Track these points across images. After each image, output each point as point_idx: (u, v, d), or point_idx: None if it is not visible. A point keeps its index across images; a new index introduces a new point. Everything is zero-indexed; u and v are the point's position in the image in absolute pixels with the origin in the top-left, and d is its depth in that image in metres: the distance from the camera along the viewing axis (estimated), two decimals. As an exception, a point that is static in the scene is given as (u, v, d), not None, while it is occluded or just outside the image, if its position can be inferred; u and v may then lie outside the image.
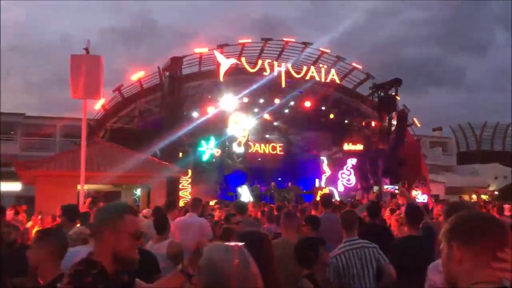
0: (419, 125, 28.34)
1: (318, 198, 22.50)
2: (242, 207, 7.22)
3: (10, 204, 13.04)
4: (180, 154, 22.02)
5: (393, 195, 20.50)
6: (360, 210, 7.05)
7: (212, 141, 24.46)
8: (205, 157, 24.41)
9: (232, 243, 1.84)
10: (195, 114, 23.32)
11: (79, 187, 9.79)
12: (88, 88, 9.13)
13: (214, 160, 24.61)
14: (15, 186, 28.75)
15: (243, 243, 1.85)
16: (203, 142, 24.40)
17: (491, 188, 37.52)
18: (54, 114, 34.56)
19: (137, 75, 22.67)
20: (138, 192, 20.01)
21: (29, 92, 79.06)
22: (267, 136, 27.21)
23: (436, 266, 2.60)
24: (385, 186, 25.02)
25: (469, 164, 41.58)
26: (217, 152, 24.59)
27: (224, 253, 1.77)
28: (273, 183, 25.40)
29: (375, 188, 24.35)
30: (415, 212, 5.10)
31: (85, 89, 9.10)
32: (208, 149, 24.42)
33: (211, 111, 23.03)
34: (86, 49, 9.83)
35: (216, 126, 24.41)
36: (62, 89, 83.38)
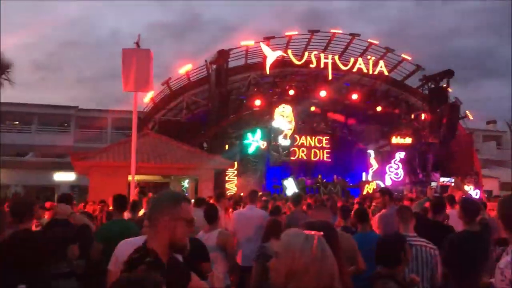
0: (471, 118, 27.28)
1: (365, 192, 22.26)
2: (297, 199, 7.11)
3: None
4: (227, 147, 22.22)
5: (443, 189, 19.88)
6: (418, 206, 6.78)
7: (258, 133, 24.52)
8: (251, 150, 24.50)
9: (312, 232, 1.89)
10: (241, 106, 23.45)
11: (130, 177, 10.07)
12: (138, 81, 9.35)
13: (260, 152, 24.67)
14: (69, 176, 29.98)
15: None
16: (249, 135, 24.51)
17: (548, 184, 35.71)
18: (106, 107, 35.67)
19: (184, 68, 22.99)
20: (186, 183, 20.37)
21: (82, 86, 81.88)
22: (314, 126, 26.90)
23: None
24: (441, 179, 24.23)
25: (525, 159, 39.71)
26: (263, 144, 24.62)
27: (303, 241, 1.82)
28: (319, 176, 25.20)
29: (433, 184, 23.59)
30: (472, 205, 4.88)
31: (136, 82, 9.33)
32: (254, 141, 24.50)
33: (257, 103, 23.06)
34: (137, 43, 10.06)
35: (262, 119, 24.45)
36: (113, 83, 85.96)
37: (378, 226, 6.09)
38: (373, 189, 22.92)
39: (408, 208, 4.65)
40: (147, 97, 22.56)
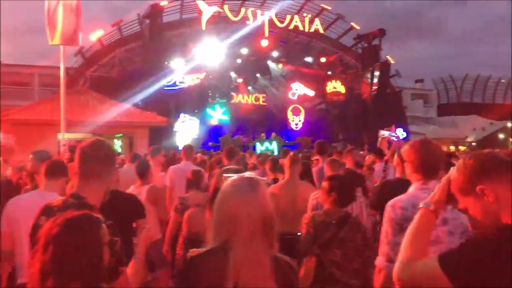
0: (401, 77, 28.44)
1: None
2: (231, 153, 7.16)
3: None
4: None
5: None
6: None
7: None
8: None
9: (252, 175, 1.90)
10: (177, 63, 22.94)
11: (59, 135, 9.70)
12: (66, 34, 8.88)
13: (196, 111, 24.50)
14: (-7, 135, 28.32)
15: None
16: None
17: (469, 140, 38.28)
18: (32, 63, 33.62)
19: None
20: (120, 141, 19.97)
21: (4, 40, 76.37)
22: (249, 88, 26.99)
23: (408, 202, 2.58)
24: (381, 132, 25.17)
25: (449, 116, 42.16)
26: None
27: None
28: (262, 135, 25.41)
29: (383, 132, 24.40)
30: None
31: (63, 35, 8.86)
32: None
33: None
34: (63, -7, 9.49)
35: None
36: (39, 37, 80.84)
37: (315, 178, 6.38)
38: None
39: (336, 160, 4.87)
40: (94, 37, 21.48)
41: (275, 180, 5.75)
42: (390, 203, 2.63)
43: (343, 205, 3.62)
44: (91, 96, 18.42)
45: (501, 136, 38.99)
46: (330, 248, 3.38)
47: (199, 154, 11.88)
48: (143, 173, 5.31)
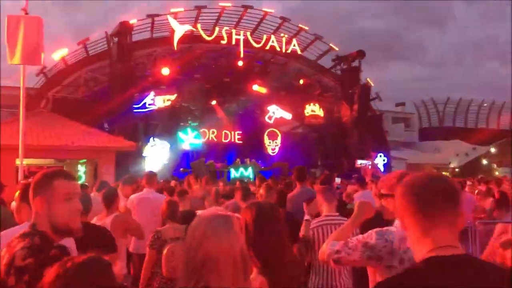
0: (382, 100, 28.97)
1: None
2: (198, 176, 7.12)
3: None
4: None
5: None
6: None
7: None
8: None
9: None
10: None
11: (18, 161, 9.49)
12: (27, 52, 8.78)
13: (167, 134, 24.34)
14: None
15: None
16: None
17: (452, 165, 39.02)
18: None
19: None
20: (83, 167, 19.64)
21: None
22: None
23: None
24: (359, 162, 25.41)
25: (431, 141, 42.99)
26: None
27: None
28: (238, 160, 25.37)
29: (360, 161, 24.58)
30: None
31: (23, 53, 8.76)
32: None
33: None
34: (25, 10, 9.41)
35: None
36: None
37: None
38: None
39: (332, 189, 4.88)
40: (58, 55, 21.19)
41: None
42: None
43: None
44: (53, 119, 18.15)
45: (484, 162, 39.89)
46: None
47: (173, 181, 11.82)
48: (110, 202, 5.22)
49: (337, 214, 4.53)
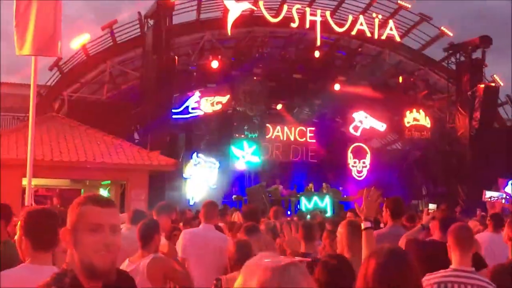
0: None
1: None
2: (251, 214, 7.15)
3: None
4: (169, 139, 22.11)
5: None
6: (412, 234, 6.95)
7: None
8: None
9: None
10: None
11: (24, 181, 9.91)
12: (40, 41, 9.20)
13: (216, 149, 24.63)
14: None
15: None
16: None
17: None
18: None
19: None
20: (107, 191, 20.20)
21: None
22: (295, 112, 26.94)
23: None
24: (488, 194, 24.77)
25: None
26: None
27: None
28: (310, 185, 25.21)
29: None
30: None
31: (35, 43, 9.18)
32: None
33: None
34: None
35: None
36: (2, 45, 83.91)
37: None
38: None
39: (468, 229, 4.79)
40: (77, 43, 21.90)
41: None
42: None
43: None
44: (69, 126, 18.76)
45: None
46: None
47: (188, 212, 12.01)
48: (148, 239, 5.32)
49: (472, 269, 4.37)
